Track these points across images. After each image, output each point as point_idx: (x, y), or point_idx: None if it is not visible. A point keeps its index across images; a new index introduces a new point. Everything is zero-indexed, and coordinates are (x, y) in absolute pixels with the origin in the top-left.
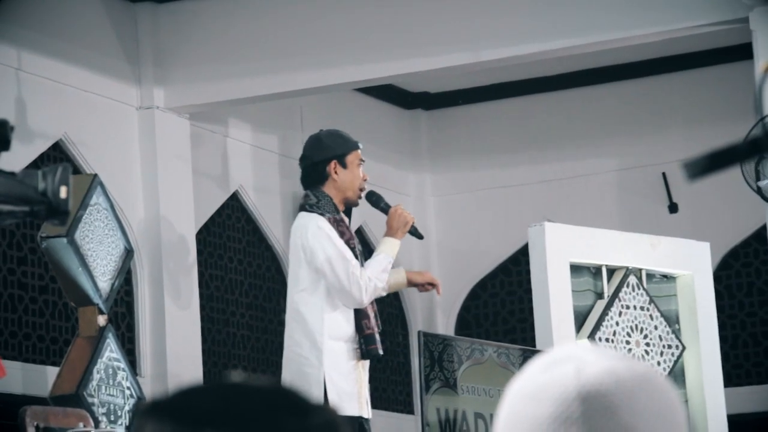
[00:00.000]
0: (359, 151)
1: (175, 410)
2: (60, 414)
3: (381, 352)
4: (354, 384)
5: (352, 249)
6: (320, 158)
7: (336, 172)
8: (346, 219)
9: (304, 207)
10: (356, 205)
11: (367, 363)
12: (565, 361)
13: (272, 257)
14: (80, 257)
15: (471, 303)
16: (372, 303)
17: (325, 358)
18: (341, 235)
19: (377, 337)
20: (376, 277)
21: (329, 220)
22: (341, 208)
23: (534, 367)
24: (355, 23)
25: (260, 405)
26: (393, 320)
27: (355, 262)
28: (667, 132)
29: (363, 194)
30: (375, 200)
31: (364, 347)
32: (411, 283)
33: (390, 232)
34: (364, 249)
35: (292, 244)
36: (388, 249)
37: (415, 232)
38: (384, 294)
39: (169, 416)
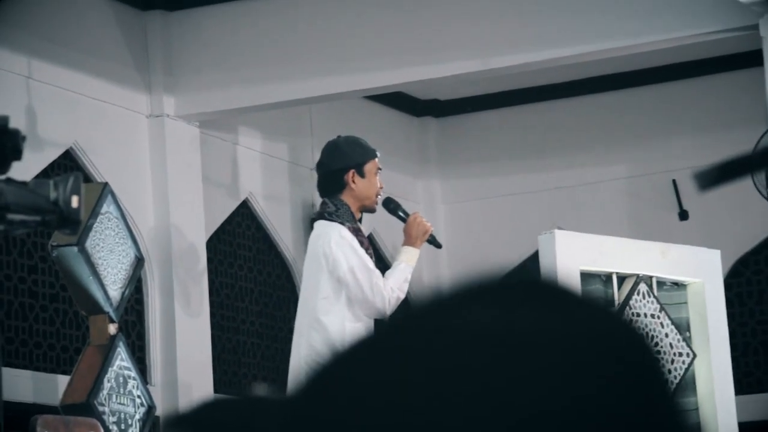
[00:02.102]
0: (377, 159)
1: (199, 423)
2: (71, 423)
3: None
4: None
5: (370, 258)
6: (338, 166)
7: (354, 181)
8: (362, 228)
9: (323, 215)
10: (373, 212)
11: None
12: None
13: (282, 265)
14: (91, 266)
15: None
16: None
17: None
18: (360, 244)
19: None
20: (398, 288)
21: (349, 229)
22: (358, 216)
23: None
24: (364, 31)
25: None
26: None
27: (378, 273)
28: (677, 139)
29: (380, 201)
30: (393, 208)
31: None
32: (414, 239)
33: (409, 240)
34: (376, 256)
35: (311, 251)
36: (408, 258)
37: (433, 241)
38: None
39: (193, 429)
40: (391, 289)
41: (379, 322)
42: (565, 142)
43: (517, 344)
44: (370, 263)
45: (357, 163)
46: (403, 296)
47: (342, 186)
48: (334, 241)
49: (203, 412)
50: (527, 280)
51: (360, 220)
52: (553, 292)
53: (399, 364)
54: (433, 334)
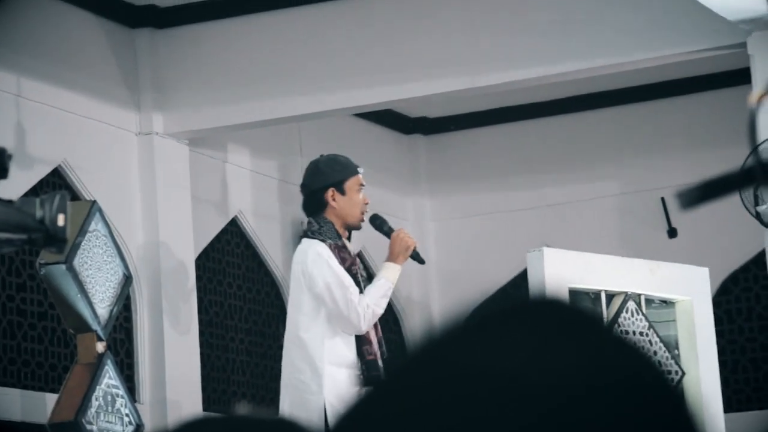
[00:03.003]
0: (359, 176)
1: None
2: None
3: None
4: None
5: (354, 275)
6: (318, 186)
7: (334, 199)
8: (349, 245)
9: (306, 233)
10: (358, 228)
11: None
12: None
13: (271, 283)
14: (79, 284)
15: None
16: (376, 329)
17: (325, 384)
18: (343, 261)
19: (380, 363)
20: (374, 304)
21: (330, 246)
22: (343, 233)
23: None
24: (353, 49)
25: None
26: (393, 346)
27: (353, 289)
28: (666, 157)
29: (365, 218)
30: (378, 224)
31: (366, 373)
32: (396, 255)
33: (391, 257)
34: (366, 274)
35: (293, 269)
36: (388, 274)
37: (417, 257)
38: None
39: None
40: (366, 305)
41: (418, 361)
42: (554, 159)
43: (545, 388)
44: (347, 279)
45: (336, 181)
46: (380, 311)
47: (324, 205)
48: (310, 258)
49: (188, 430)
50: (539, 308)
51: (349, 238)
52: (574, 320)
53: (428, 405)
54: (450, 373)
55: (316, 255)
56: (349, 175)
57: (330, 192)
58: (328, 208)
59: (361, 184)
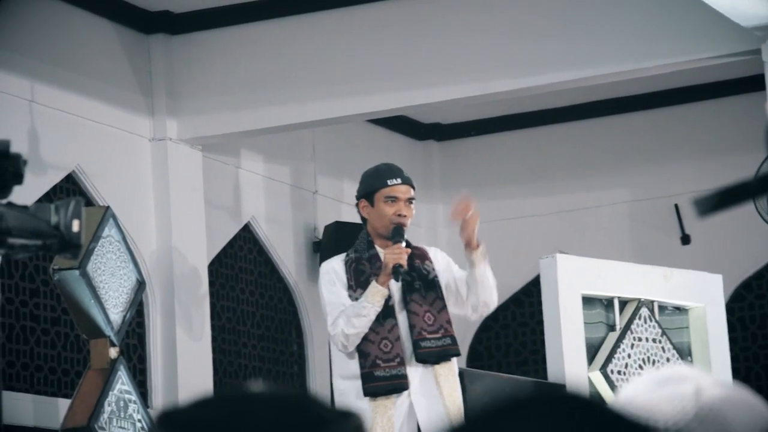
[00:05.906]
0: (389, 187)
1: (186, 422)
2: None
3: (389, 389)
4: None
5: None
6: (356, 198)
7: (366, 211)
8: (383, 253)
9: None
10: (390, 240)
11: (398, 400)
12: (683, 380)
13: (284, 289)
14: (92, 289)
15: (483, 335)
16: (390, 338)
17: (335, 397)
18: (360, 274)
19: (380, 373)
20: (344, 324)
21: (347, 260)
22: (383, 244)
23: (647, 381)
24: (366, 55)
25: (273, 416)
26: None
27: (337, 310)
28: (679, 163)
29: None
30: (391, 234)
31: (363, 386)
32: (386, 277)
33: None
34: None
35: None
36: (367, 292)
37: (396, 275)
38: (373, 315)
39: (179, 428)
40: (335, 326)
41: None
42: (567, 166)
43: None
44: (329, 300)
45: (366, 193)
46: (351, 331)
47: (363, 217)
48: (320, 277)
49: (190, 410)
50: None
51: (408, 245)
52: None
53: None
54: None
55: (322, 272)
56: (378, 187)
57: (362, 203)
58: (366, 219)
59: (392, 196)
